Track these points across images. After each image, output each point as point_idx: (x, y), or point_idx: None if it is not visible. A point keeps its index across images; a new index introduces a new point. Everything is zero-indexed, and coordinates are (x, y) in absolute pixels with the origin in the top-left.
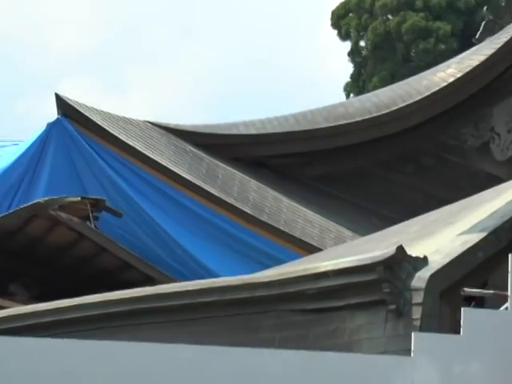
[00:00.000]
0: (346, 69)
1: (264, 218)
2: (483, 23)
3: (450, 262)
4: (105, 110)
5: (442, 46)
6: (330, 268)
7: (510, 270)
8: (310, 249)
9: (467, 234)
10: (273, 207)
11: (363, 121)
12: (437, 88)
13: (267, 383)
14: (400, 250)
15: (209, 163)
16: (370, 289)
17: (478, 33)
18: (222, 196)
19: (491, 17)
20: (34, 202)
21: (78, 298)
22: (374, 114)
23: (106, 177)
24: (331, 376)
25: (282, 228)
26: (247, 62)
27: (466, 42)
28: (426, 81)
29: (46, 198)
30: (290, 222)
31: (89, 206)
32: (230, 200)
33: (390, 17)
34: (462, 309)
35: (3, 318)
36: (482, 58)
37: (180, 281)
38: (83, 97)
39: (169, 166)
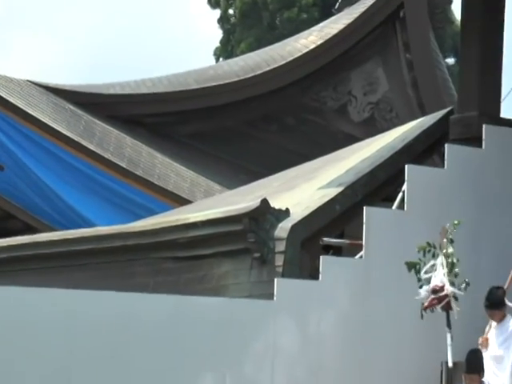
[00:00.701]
0: (216, 35)
1: (139, 173)
2: None
3: (310, 213)
4: None
5: (305, 16)
6: (199, 219)
7: (364, 221)
8: (182, 201)
9: (326, 188)
10: (147, 162)
11: (231, 83)
12: (299, 54)
13: (141, 325)
14: (264, 202)
15: (87, 121)
16: (236, 238)
17: (338, 3)
18: (99, 151)
19: None
20: None
21: None
22: (242, 77)
23: None
24: (201, 318)
25: (155, 182)
26: (123, 28)
27: (326, 11)
28: (289, 47)
29: None
30: (163, 177)
31: None
32: (106, 155)
33: None
34: (321, 257)
35: None
36: (341, 26)
37: (59, 230)
38: None
39: (48, 123)
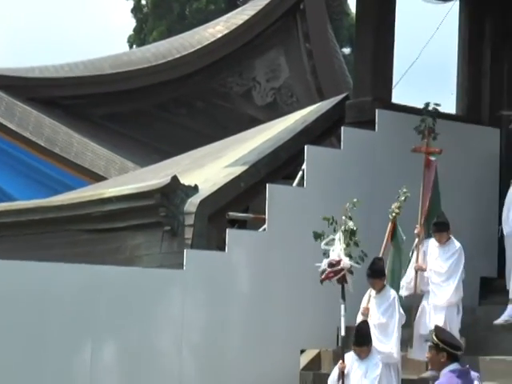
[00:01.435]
0: (130, 23)
1: (57, 151)
2: None
3: (217, 190)
4: None
5: (212, 7)
6: (114, 194)
7: (267, 197)
8: (97, 178)
9: (231, 166)
10: (64, 141)
11: (144, 68)
12: (207, 42)
13: (58, 293)
14: (174, 179)
15: (7, 102)
16: (148, 212)
17: None
18: (19, 131)
19: None
20: None
21: None
22: (153, 63)
23: None
24: (116, 286)
25: (72, 159)
26: (41, 14)
27: (232, 3)
28: (198, 36)
29: None
30: (80, 155)
31: None
32: (26, 134)
33: None
34: (227, 230)
35: None
36: (246, 17)
37: None
38: None
39: None
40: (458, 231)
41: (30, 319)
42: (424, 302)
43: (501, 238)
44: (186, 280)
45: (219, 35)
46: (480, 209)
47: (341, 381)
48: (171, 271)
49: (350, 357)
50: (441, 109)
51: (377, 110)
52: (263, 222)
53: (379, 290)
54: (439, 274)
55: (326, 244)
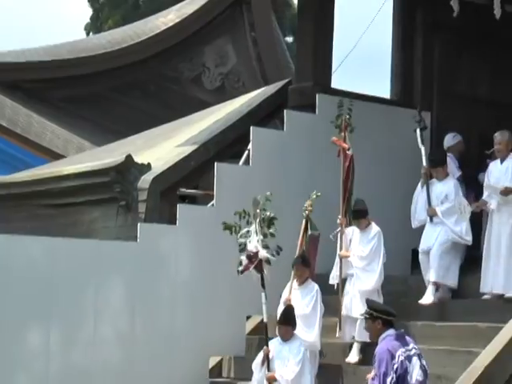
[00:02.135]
0: (87, 12)
1: (18, 131)
2: None
3: (169, 168)
4: None
5: None
6: (72, 171)
7: (215, 175)
8: (56, 156)
9: (182, 146)
10: (25, 122)
11: (100, 54)
12: (159, 30)
13: (20, 264)
14: (128, 158)
15: None
16: (104, 188)
17: None
18: None
19: None
20: None
21: None
22: (109, 49)
23: None
24: (74, 257)
25: (32, 139)
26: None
27: None
28: (151, 24)
29: None
30: (40, 134)
31: None
32: None
33: None
34: (178, 205)
35: None
36: (196, 7)
37: None
38: None
39: None
40: (392, 207)
41: None
42: (348, 286)
43: None
44: (140, 251)
45: (171, 24)
46: (413, 186)
47: (265, 365)
48: (126, 243)
49: (275, 342)
50: (376, 93)
51: (317, 95)
52: (211, 197)
53: (302, 282)
54: (361, 257)
55: (241, 237)
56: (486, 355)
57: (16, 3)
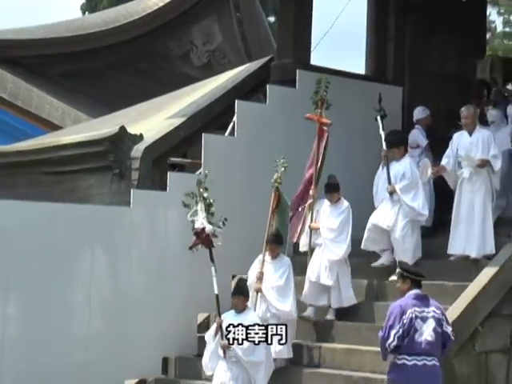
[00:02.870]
0: None
1: (18, 104)
2: None
3: (159, 138)
4: None
5: None
6: (69, 141)
7: (203, 145)
8: (54, 127)
9: (172, 118)
10: (25, 95)
11: (95, 32)
12: (150, 10)
13: (22, 227)
14: (122, 129)
15: None
16: (99, 157)
17: None
18: None
19: None
20: None
21: None
22: (103, 28)
23: None
24: (71, 221)
25: (32, 111)
26: None
27: None
28: (143, 4)
29: None
30: (39, 107)
31: None
32: None
33: None
34: (168, 173)
35: None
36: None
37: None
38: None
39: None
40: (362, 179)
41: None
42: (316, 254)
43: None
44: (133, 216)
45: (161, 4)
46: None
47: (218, 335)
48: (119, 208)
49: (229, 313)
50: (352, 69)
51: (297, 71)
52: (199, 166)
53: (275, 256)
54: (331, 230)
55: (191, 216)
56: (453, 311)
57: None
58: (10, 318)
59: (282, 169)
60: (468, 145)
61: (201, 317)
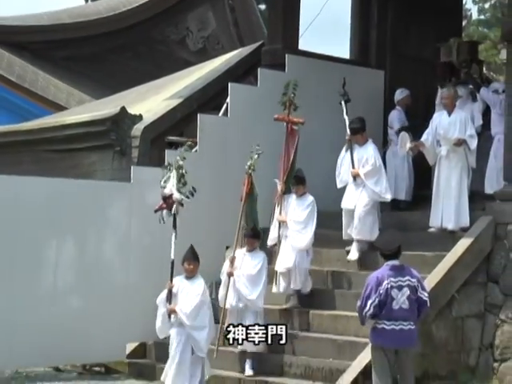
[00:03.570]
0: None
1: (26, 86)
2: None
3: (158, 118)
4: None
5: None
6: (73, 121)
7: (198, 124)
8: (59, 108)
9: (169, 99)
10: (32, 78)
11: (97, 19)
12: None
13: (29, 201)
14: (123, 109)
15: None
16: (101, 136)
17: None
18: None
19: None
20: None
21: None
22: (104, 15)
23: None
24: (75, 196)
25: (39, 93)
26: None
27: None
28: None
29: None
30: (45, 89)
31: None
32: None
33: None
34: (166, 150)
35: None
36: None
37: None
38: None
39: None
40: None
41: (4, 223)
42: (282, 246)
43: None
44: (133, 191)
45: None
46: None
47: (169, 299)
48: (120, 184)
49: (179, 278)
50: (337, 54)
51: (286, 55)
52: (195, 144)
53: (252, 249)
54: (298, 222)
55: (164, 182)
56: (431, 279)
57: None
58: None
59: (256, 156)
60: (447, 124)
61: None
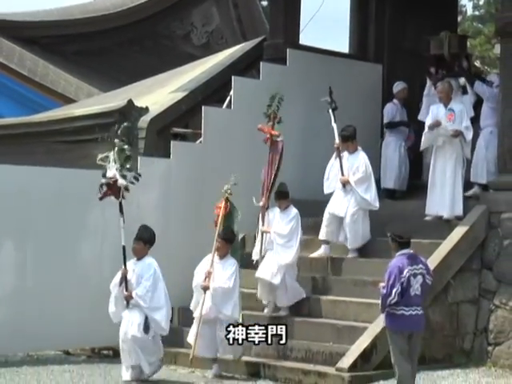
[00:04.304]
0: None
1: (36, 79)
2: None
3: (164, 110)
4: None
5: None
6: (82, 113)
7: (203, 116)
8: (69, 100)
9: (175, 92)
10: (42, 72)
11: (105, 14)
12: None
13: (39, 190)
14: (130, 102)
15: None
16: (109, 128)
17: None
18: (6, 63)
19: None
20: None
21: None
22: (112, 11)
23: None
24: (83, 185)
25: (49, 86)
26: None
27: None
28: None
29: None
30: (55, 83)
31: None
32: (12, 66)
33: None
34: (172, 142)
35: None
36: None
37: None
38: None
39: None
40: None
41: (16, 211)
42: (267, 257)
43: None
44: (140, 180)
45: None
46: (365, 131)
47: (123, 284)
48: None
49: (131, 263)
50: (337, 48)
51: (287, 50)
52: (200, 135)
53: (223, 256)
54: (282, 235)
55: (101, 160)
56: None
57: None
58: (28, 267)
59: (232, 183)
60: (443, 116)
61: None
